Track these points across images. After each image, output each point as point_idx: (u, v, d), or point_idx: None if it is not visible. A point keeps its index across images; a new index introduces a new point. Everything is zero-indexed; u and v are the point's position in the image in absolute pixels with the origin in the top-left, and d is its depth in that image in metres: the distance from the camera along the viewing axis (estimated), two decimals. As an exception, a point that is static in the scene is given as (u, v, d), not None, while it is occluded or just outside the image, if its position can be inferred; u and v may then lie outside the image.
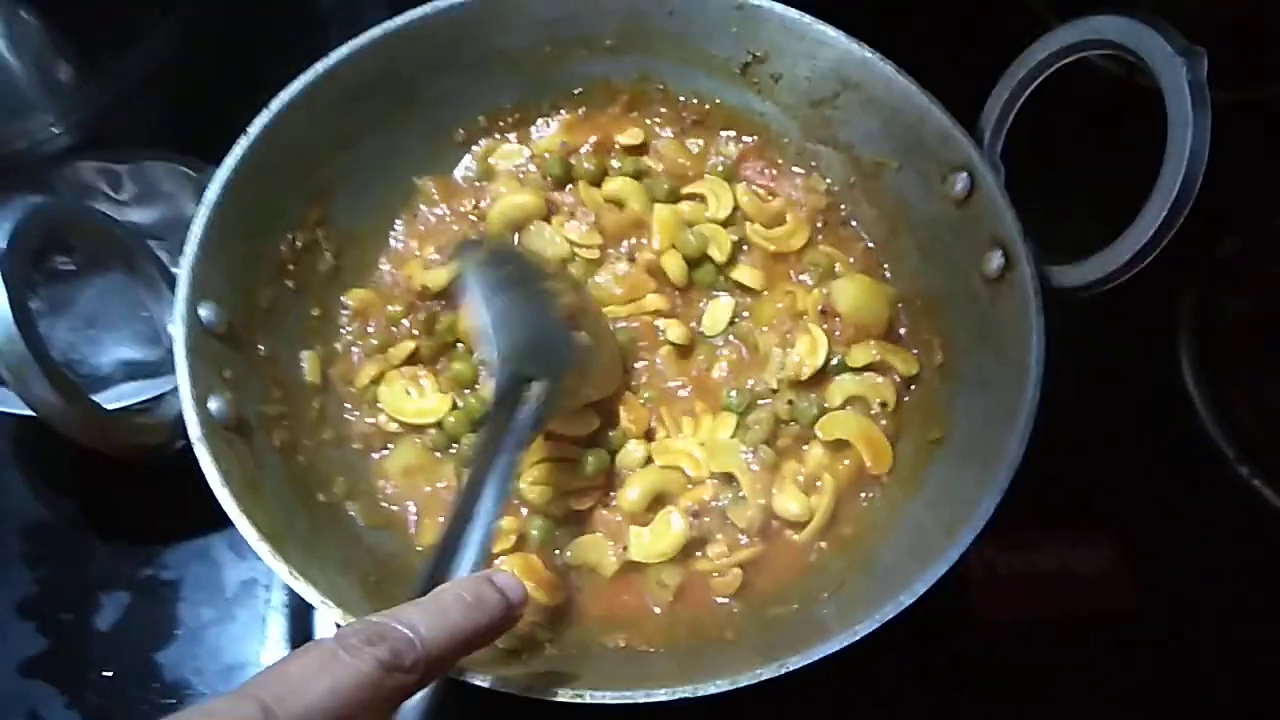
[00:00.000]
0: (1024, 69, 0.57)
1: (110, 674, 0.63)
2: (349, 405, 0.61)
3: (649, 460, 0.59)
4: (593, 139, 0.69)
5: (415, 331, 0.62)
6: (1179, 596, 0.67)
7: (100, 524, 0.68)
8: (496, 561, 0.56)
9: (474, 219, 0.66)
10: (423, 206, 0.67)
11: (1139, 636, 0.66)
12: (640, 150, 0.69)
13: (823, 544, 0.57)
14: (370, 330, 0.63)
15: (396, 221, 0.67)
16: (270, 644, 0.64)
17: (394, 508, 0.59)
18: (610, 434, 0.59)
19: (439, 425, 0.60)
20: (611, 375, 0.61)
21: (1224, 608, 0.67)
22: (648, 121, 0.70)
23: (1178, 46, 0.49)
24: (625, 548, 0.56)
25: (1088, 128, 0.73)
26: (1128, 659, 0.65)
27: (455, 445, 0.60)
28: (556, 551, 0.57)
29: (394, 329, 0.63)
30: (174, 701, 0.63)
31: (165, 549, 0.67)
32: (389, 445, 0.60)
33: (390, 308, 0.63)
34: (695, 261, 0.65)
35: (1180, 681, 0.65)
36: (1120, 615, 0.66)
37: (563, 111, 0.70)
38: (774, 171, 0.68)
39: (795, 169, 0.69)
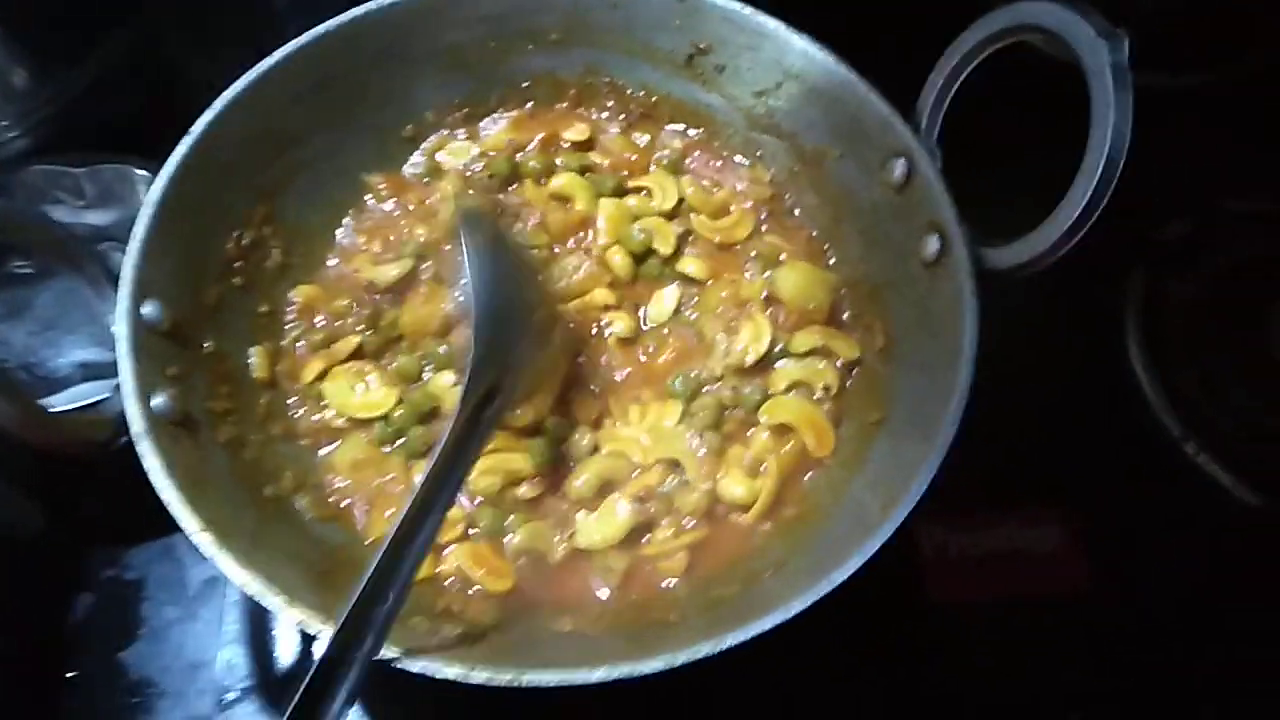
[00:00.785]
0: (958, 55, 0.58)
1: (75, 674, 0.63)
2: (295, 400, 0.61)
3: (597, 448, 0.59)
4: (540, 135, 0.70)
5: (361, 327, 0.63)
6: (1130, 575, 0.68)
7: (65, 526, 0.68)
8: (444, 551, 0.56)
9: (421, 216, 0.67)
10: (371, 202, 0.68)
11: (1091, 615, 0.67)
12: (587, 146, 0.70)
13: (766, 525, 0.58)
14: (317, 325, 0.63)
15: (344, 218, 0.67)
16: (229, 641, 0.64)
17: (342, 502, 0.59)
18: (558, 422, 0.60)
19: (385, 419, 0.60)
20: (560, 370, 0.61)
21: (1175, 584, 0.67)
22: (595, 116, 0.71)
23: (1099, 29, 0.50)
24: (572, 534, 0.56)
25: (1028, 110, 0.74)
26: (1080, 638, 0.66)
27: (402, 439, 0.60)
28: (505, 539, 0.58)
29: (339, 324, 0.63)
30: (138, 699, 0.63)
31: (129, 549, 0.67)
32: (336, 440, 0.61)
33: (336, 302, 0.63)
34: (641, 255, 0.65)
35: (1133, 658, 0.65)
36: (1072, 594, 0.67)
37: (511, 108, 0.71)
38: (719, 163, 0.69)
39: (739, 160, 0.70)
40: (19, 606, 0.65)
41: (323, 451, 0.61)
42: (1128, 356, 0.73)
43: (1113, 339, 0.74)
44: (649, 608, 0.55)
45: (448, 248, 0.65)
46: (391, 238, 0.66)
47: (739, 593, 0.53)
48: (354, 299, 0.63)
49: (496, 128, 0.70)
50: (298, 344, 0.63)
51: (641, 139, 0.70)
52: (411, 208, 0.67)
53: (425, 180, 0.69)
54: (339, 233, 0.67)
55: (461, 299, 0.56)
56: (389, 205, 0.68)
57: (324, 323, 0.63)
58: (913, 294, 0.59)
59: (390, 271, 0.63)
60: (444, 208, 0.66)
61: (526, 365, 0.56)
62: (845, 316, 0.64)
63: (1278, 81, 0.86)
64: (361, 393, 0.61)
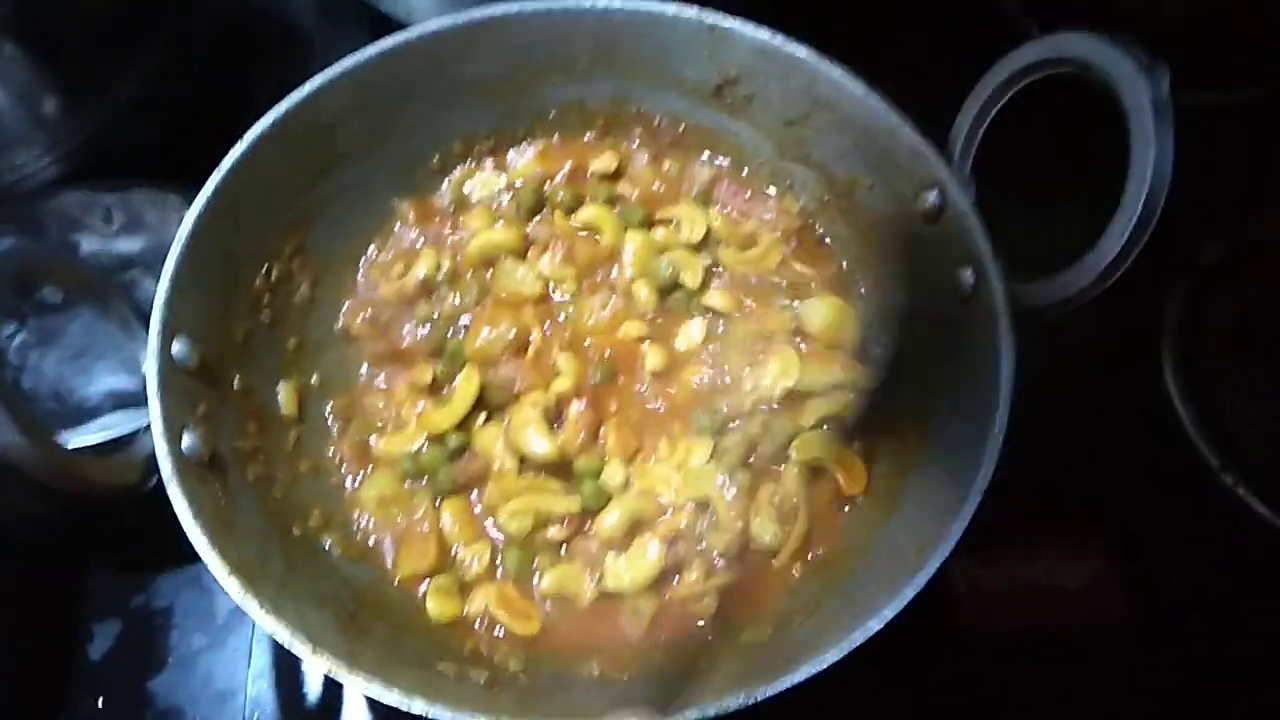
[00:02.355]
0: (991, 86, 0.57)
1: (101, 703, 0.64)
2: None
3: (628, 483, 0.59)
4: (568, 165, 0.70)
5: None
6: (1168, 606, 0.66)
7: (93, 553, 0.68)
8: (471, 593, 0.56)
9: (448, 246, 0.67)
10: (398, 227, 0.68)
11: (1128, 647, 0.66)
12: (615, 177, 0.69)
13: (797, 567, 0.57)
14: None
15: (370, 246, 0.68)
16: (257, 670, 0.64)
17: (370, 539, 0.59)
18: (587, 461, 0.59)
19: (414, 455, 0.60)
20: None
21: (1214, 616, 0.66)
22: (624, 145, 0.70)
23: (1141, 64, 0.49)
24: (601, 576, 0.56)
25: (1066, 142, 0.73)
26: (1117, 670, 0.65)
27: (427, 476, 0.60)
28: (533, 582, 0.57)
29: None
30: (167, 727, 0.63)
31: (158, 577, 0.67)
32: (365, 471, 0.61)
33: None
34: (668, 288, 0.65)
35: (1172, 691, 0.64)
36: (1109, 627, 0.66)
37: (539, 138, 0.71)
38: (748, 194, 0.69)
39: (769, 190, 0.69)
40: (48, 635, 0.66)
41: (349, 486, 0.61)
42: (1164, 383, 0.72)
43: (1149, 366, 0.73)
44: (678, 651, 0.54)
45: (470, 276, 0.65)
46: (414, 263, 0.66)
47: (771, 638, 0.53)
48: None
49: (524, 158, 0.70)
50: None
51: (671, 169, 0.70)
52: (437, 236, 0.68)
53: (450, 211, 0.69)
54: (363, 259, 0.68)
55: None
56: (414, 232, 0.68)
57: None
58: (945, 327, 0.58)
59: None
60: (471, 245, 0.66)
61: None
62: (877, 350, 0.64)
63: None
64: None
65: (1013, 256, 0.57)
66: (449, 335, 0.64)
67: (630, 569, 0.56)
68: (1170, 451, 0.70)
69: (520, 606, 0.56)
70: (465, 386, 0.61)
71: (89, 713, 0.64)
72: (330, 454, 0.62)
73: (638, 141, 0.71)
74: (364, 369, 0.65)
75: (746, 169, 0.70)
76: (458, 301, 0.65)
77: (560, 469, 0.59)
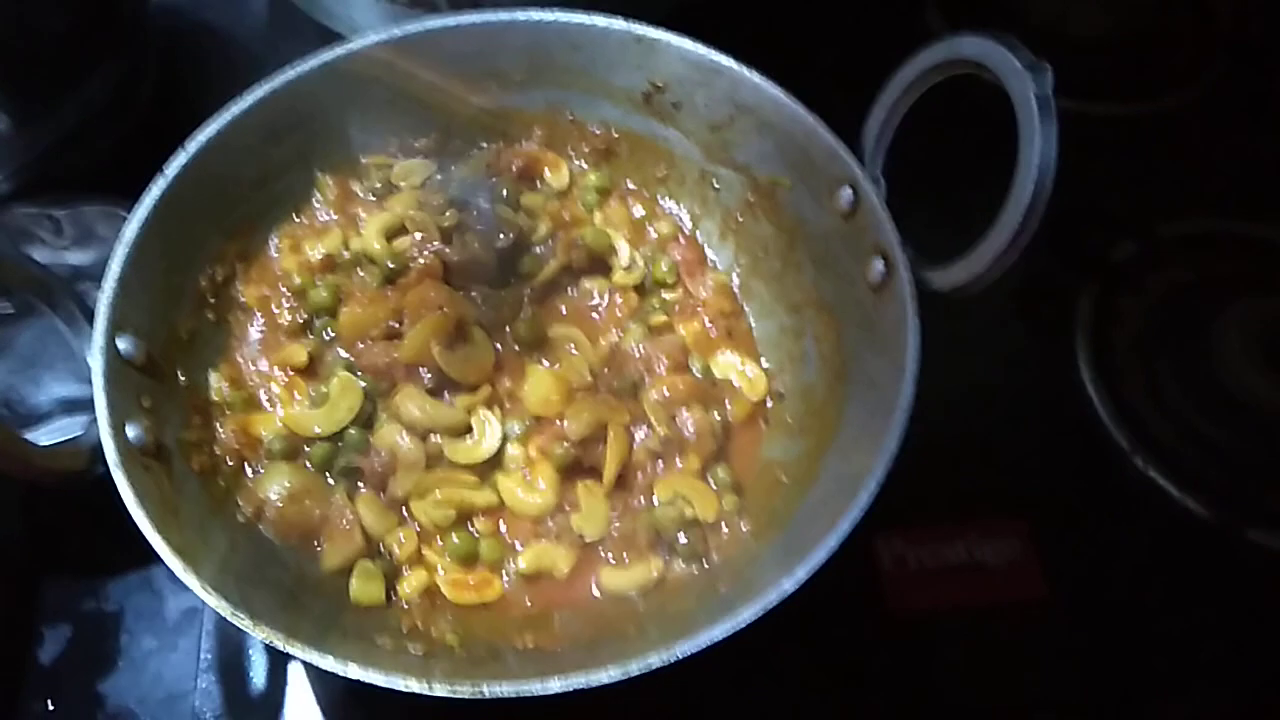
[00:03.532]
0: (898, 88, 0.61)
1: (51, 705, 0.64)
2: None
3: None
4: (515, 165, 0.72)
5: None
6: (1084, 583, 0.70)
7: (43, 558, 0.69)
8: (405, 573, 0.58)
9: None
10: (317, 202, 0.70)
11: (1047, 623, 0.69)
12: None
13: (724, 536, 0.60)
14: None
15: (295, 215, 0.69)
16: (203, 669, 0.65)
17: (298, 529, 0.59)
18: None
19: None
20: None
21: (1127, 591, 0.70)
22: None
23: (1024, 61, 0.52)
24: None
25: (975, 138, 0.76)
26: (1036, 645, 0.68)
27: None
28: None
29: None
30: (117, 731, 0.64)
31: (108, 581, 0.68)
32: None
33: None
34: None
35: (1088, 664, 0.67)
36: (1028, 604, 0.68)
37: (478, 144, 0.73)
38: (690, 266, 0.72)
39: (708, 262, 0.73)
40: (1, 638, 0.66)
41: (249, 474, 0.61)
42: (1079, 373, 0.75)
43: (1064, 357, 0.77)
44: (609, 622, 0.56)
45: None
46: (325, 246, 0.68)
47: (697, 606, 0.55)
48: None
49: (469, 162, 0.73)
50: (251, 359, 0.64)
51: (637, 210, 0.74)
52: (354, 219, 0.69)
53: (375, 195, 0.71)
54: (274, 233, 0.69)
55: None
56: (331, 212, 0.69)
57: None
58: (861, 316, 0.62)
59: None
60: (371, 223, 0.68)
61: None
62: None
63: (1215, 109, 0.89)
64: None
65: (920, 246, 0.60)
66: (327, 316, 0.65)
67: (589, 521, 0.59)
68: (1084, 437, 0.74)
69: (476, 580, 0.58)
70: (342, 396, 0.61)
71: (39, 714, 0.64)
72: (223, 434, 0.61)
73: (575, 154, 0.74)
74: (250, 344, 0.65)
75: (699, 232, 0.74)
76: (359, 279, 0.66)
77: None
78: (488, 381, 0.63)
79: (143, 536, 0.50)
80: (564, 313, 0.69)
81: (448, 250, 0.64)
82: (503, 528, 0.60)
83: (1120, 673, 0.67)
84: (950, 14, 0.93)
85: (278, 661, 0.64)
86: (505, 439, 0.61)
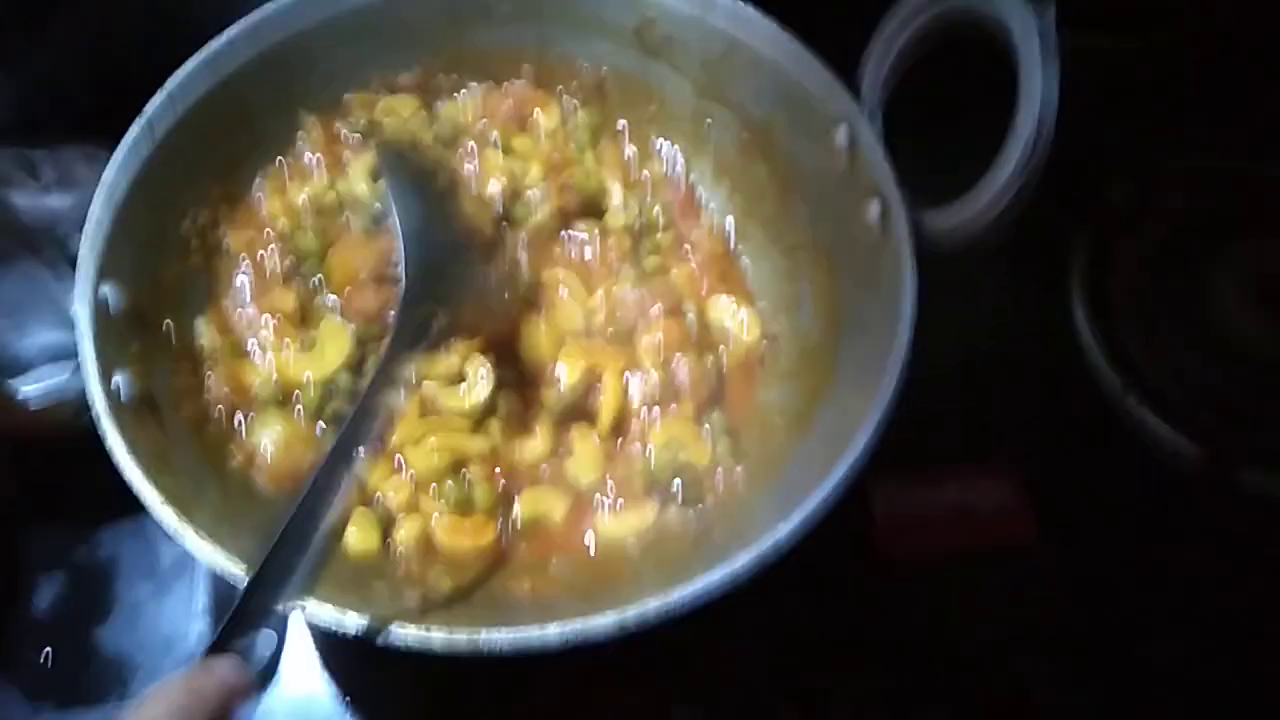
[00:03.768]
0: (894, 23, 0.59)
1: (49, 652, 0.64)
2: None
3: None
4: (507, 105, 0.71)
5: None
6: (1076, 524, 0.70)
7: (35, 507, 0.69)
8: (400, 521, 0.58)
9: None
10: (300, 142, 0.68)
11: (1040, 567, 0.69)
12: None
13: (719, 482, 0.60)
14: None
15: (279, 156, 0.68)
16: (197, 614, 0.65)
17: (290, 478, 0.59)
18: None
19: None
20: (504, 309, 0.62)
21: (1118, 533, 0.70)
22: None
23: (1025, -1, 0.51)
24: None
25: (975, 76, 0.75)
26: (1027, 586, 0.68)
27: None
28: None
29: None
30: (113, 675, 0.64)
31: (100, 529, 0.68)
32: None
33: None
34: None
35: (1078, 604, 0.68)
36: (1020, 545, 0.69)
37: (471, 82, 0.71)
38: (683, 208, 0.71)
39: (701, 204, 0.72)
40: (-7, 586, 0.66)
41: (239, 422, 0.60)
42: (1073, 316, 0.75)
43: (1059, 298, 0.76)
44: (605, 568, 0.56)
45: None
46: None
47: (692, 551, 0.55)
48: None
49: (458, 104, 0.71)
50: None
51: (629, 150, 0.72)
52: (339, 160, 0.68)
53: (359, 135, 0.69)
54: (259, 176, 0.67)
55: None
56: (315, 154, 0.68)
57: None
58: (858, 259, 0.61)
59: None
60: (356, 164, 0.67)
61: (467, 294, 0.58)
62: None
63: (1214, 43, 0.88)
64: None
65: (921, 188, 0.59)
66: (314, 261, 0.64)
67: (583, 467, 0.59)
68: (1078, 378, 0.74)
69: (470, 526, 0.57)
70: (331, 342, 0.61)
71: (35, 663, 0.64)
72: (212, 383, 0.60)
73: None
74: (238, 290, 0.64)
75: (692, 174, 0.72)
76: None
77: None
78: (483, 328, 0.62)
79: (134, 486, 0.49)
80: (556, 256, 0.67)
81: None
82: (499, 477, 0.60)
83: (1111, 613, 0.67)
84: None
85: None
86: (498, 386, 0.61)
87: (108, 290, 0.54)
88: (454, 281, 0.57)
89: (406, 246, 0.55)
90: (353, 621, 0.46)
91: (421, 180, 0.61)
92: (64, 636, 0.65)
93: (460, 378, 0.61)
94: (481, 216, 0.65)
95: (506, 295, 0.64)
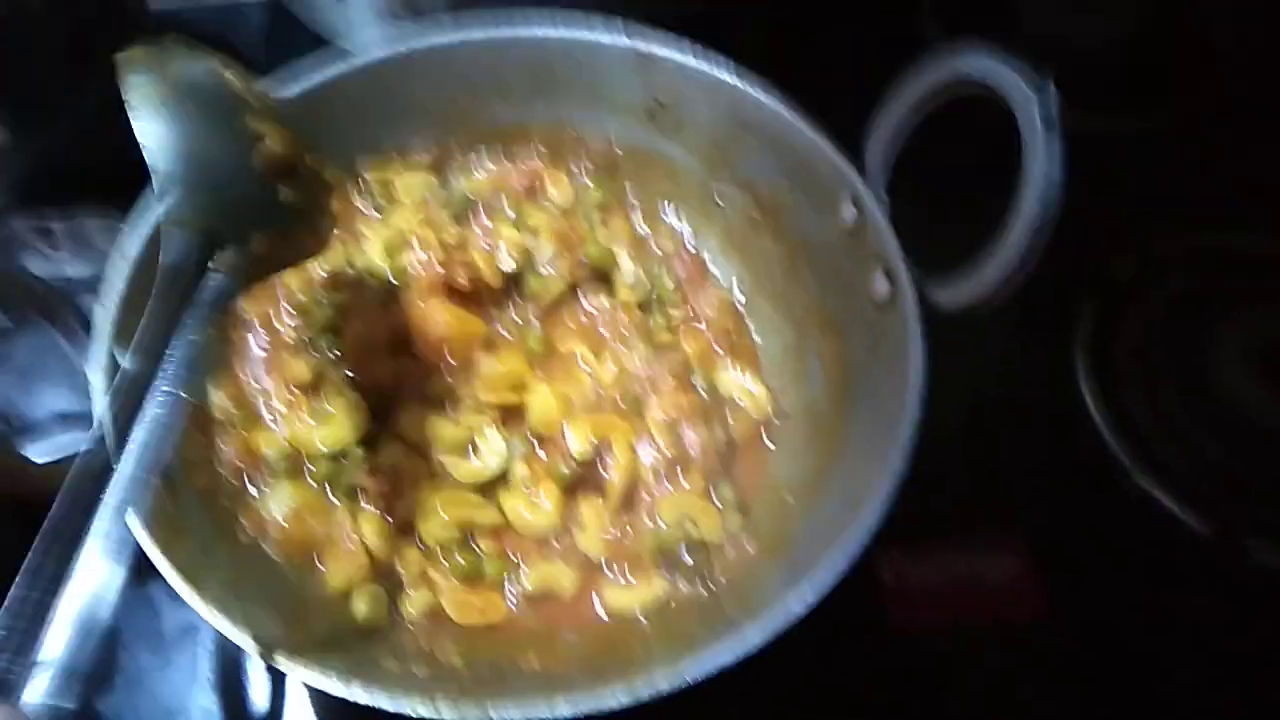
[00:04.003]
0: (902, 106, 0.61)
1: (50, 719, 0.64)
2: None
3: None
4: (521, 184, 0.72)
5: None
6: (1085, 600, 0.69)
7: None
8: (409, 593, 0.58)
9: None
10: None
11: (1047, 643, 0.68)
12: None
13: (729, 556, 0.60)
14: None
15: None
16: (203, 687, 0.65)
17: (303, 548, 0.59)
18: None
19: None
20: (318, 236, 0.55)
21: (1129, 608, 0.69)
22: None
23: (1029, 79, 0.53)
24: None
25: (981, 152, 0.76)
26: (1037, 665, 0.68)
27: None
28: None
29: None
30: (112, 748, 0.63)
31: (104, 596, 0.68)
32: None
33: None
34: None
35: (1089, 681, 0.67)
36: (1029, 620, 0.68)
37: (486, 159, 0.73)
38: (693, 281, 0.72)
39: (711, 279, 0.73)
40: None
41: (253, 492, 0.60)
42: (1079, 388, 0.75)
43: (1065, 372, 0.76)
44: (615, 643, 0.56)
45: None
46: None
47: (703, 626, 0.55)
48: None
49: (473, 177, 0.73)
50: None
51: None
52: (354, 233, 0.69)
53: (373, 211, 0.70)
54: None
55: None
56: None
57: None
58: (866, 333, 0.62)
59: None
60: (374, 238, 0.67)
61: (265, 230, 0.49)
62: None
63: (1213, 122, 0.90)
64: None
65: (927, 266, 0.60)
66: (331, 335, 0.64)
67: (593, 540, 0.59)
68: (1086, 454, 0.74)
69: (481, 601, 0.57)
70: (346, 413, 0.60)
71: (35, 732, 0.64)
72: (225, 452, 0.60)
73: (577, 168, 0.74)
74: (252, 359, 0.64)
75: (702, 248, 0.74)
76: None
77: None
78: (498, 399, 0.62)
79: (145, 554, 0.49)
80: (567, 326, 0.68)
81: (454, 267, 0.64)
82: (508, 548, 0.60)
83: (1120, 689, 0.67)
84: (945, 20, 0.93)
85: (278, 680, 0.64)
86: (509, 457, 0.61)
87: (122, 356, 0.55)
88: (238, 209, 0.49)
89: (169, 176, 0.47)
90: (360, 692, 0.46)
91: (196, 87, 0.50)
92: (64, 705, 0.65)
93: (471, 446, 0.61)
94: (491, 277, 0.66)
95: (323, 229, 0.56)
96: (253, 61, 0.92)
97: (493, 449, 0.61)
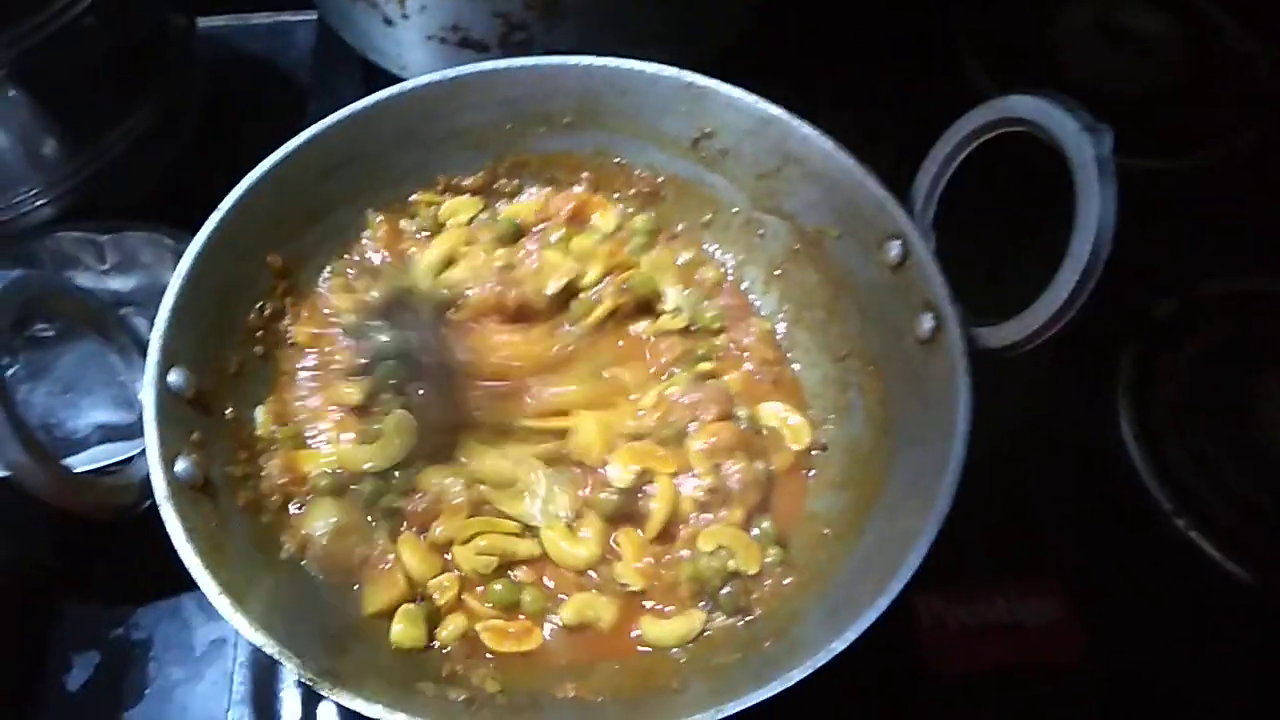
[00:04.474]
0: (949, 144, 0.61)
1: (81, 733, 0.64)
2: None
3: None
4: (567, 209, 0.73)
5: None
6: (1125, 647, 0.68)
7: (73, 585, 0.69)
8: (446, 618, 0.58)
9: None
10: (365, 239, 0.70)
11: (1086, 686, 0.67)
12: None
13: (767, 589, 0.59)
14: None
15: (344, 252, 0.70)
16: (236, 702, 0.65)
17: (342, 569, 0.59)
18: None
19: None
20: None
21: (1168, 657, 0.69)
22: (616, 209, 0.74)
23: (1084, 123, 0.53)
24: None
25: (1027, 192, 0.76)
26: (1074, 710, 0.67)
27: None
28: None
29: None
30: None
31: (137, 609, 0.68)
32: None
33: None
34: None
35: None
36: (1068, 666, 0.67)
37: (532, 186, 0.74)
38: (735, 312, 0.72)
39: (753, 310, 0.73)
40: (23, 666, 0.66)
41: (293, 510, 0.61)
42: (1120, 432, 0.75)
43: (1106, 415, 0.76)
44: (651, 674, 0.56)
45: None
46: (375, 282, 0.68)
47: (739, 660, 0.54)
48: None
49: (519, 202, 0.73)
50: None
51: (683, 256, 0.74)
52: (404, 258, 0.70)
53: (421, 235, 0.71)
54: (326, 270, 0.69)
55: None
56: (382, 254, 0.70)
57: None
58: (908, 369, 0.62)
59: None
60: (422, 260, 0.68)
61: None
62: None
63: (1255, 165, 0.89)
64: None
65: (970, 303, 0.60)
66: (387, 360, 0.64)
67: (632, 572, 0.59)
68: (1126, 498, 0.73)
69: (517, 629, 0.57)
70: (393, 434, 0.61)
71: (67, 743, 0.64)
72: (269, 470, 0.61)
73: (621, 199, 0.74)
74: (299, 380, 0.65)
75: (744, 279, 0.74)
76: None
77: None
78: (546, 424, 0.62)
79: (177, 568, 0.49)
80: (610, 355, 0.68)
81: (502, 290, 0.64)
82: (546, 579, 0.60)
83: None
84: (991, 68, 0.94)
85: (310, 698, 0.64)
86: (550, 501, 0.61)
87: (173, 375, 0.56)
88: None
89: None
90: (400, 720, 0.46)
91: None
92: (95, 717, 0.65)
93: (513, 482, 0.61)
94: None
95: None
96: (300, 82, 0.95)
97: (537, 493, 0.61)
